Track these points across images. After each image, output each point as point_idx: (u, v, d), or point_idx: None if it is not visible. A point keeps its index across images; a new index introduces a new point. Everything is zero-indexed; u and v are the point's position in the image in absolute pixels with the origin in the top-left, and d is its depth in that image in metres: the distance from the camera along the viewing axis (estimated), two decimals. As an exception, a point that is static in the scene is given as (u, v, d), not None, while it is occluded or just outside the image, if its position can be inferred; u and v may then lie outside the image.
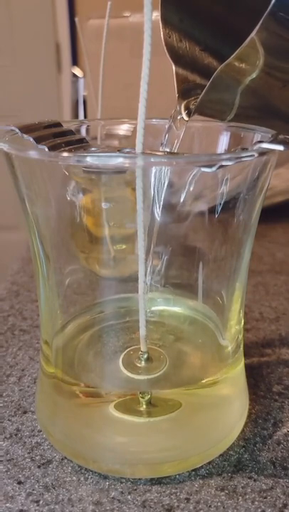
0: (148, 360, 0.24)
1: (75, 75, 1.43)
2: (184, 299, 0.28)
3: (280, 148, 0.18)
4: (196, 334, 0.27)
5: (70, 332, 0.26)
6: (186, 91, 0.21)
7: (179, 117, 0.22)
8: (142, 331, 0.21)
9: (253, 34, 0.16)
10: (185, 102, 0.21)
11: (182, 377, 0.25)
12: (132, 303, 0.26)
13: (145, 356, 0.24)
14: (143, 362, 0.24)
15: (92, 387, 0.24)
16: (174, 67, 0.21)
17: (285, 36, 0.16)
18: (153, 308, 0.28)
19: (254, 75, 0.17)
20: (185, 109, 0.21)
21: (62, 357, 0.24)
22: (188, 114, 0.21)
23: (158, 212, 0.24)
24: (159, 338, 0.26)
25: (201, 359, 0.26)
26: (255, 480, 0.22)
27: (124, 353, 0.25)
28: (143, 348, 0.22)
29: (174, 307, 0.28)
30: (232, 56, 0.17)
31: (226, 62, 0.17)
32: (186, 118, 0.21)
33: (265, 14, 0.15)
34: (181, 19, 0.21)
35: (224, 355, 0.25)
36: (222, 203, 0.22)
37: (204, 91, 0.18)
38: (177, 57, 0.21)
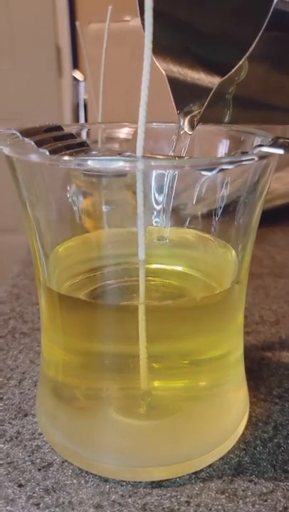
0: None
1: (75, 79, 1.43)
2: (185, 253, 0.27)
3: (280, 152, 0.18)
4: (196, 292, 0.27)
5: (68, 289, 0.25)
6: (184, 104, 0.22)
7: (182, 132, 0.22)
8: (142, 288, 0.21)
9: (250, 51, 0.16)
10: (188, 117, 0.22)
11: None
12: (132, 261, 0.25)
13: None
14: None
15: (92, 388, 0.24)
16: (164, 72, 0.22)
17: (279, 47, 0.17)
18: (154, 267, 0.27)
19: (244, 79, 0.18)
20: (189, 124, 0.22)
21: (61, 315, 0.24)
22: (192, 128, 0.22)
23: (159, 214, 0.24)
24: (159, 296, 0.25)
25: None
26: (255, 483, 0.22)
27: None
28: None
29: (175, 266, 0.28)
30: (228, 74, 0.17)
31: (222, 79, 0.18)
32: (189, 132, 0.22)
33: (260, 34, 0.16)
34: (157, 23, 0.21)
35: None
36: (222, 206, 0.22)
37: (204, 107, 0.19)
38: (165, 61, 0.22)
